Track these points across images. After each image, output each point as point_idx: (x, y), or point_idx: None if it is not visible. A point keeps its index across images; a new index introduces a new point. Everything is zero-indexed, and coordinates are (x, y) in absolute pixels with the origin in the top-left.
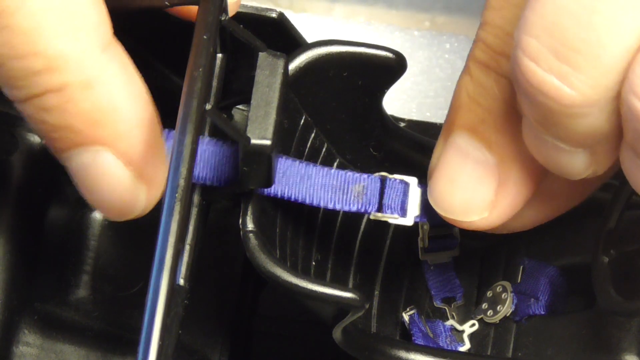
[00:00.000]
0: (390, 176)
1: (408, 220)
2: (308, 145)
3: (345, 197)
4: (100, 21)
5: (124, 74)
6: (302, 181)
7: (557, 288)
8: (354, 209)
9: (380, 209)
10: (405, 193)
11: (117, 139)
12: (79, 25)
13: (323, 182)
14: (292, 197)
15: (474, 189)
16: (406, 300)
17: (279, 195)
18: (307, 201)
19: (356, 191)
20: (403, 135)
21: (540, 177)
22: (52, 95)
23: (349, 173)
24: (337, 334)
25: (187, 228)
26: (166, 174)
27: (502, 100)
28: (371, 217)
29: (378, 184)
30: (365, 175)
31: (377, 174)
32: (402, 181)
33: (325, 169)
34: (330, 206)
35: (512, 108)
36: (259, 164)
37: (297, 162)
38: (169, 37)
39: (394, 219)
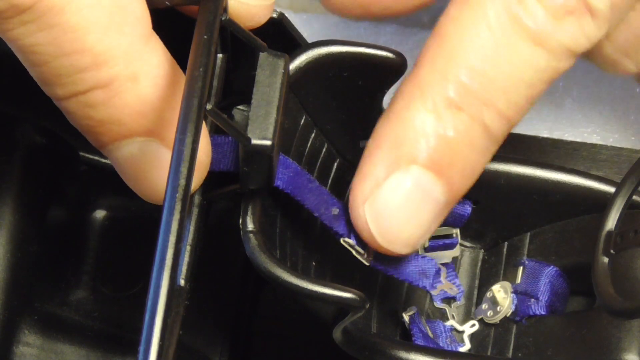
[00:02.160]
0: None
1: (366, 260)
2: (308, 146)
3: (326, 213)
4: (142, 14)
5: (166, 65)
6: (293, 179)
7: (557, 288)
8: (329, 225)
9: (349, 236)
10: None
11: (162, 128)
12: (124, 19)
13: (310, 189)
14: (284, 189)
15: (426, 229)
16: (406, 301)
17: (281, 187)
18: (297, 198)
19: (333, 213)
20: None
21: None
22: (99, 91)
23: (327, 195)
24: (337, 334)
25: (188, 228)
26: (208, 161)
27: (469, 143)
28: (341, 241)
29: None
30: (340, 203)
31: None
32: None
33: (314, 181)
34: (315, 214)
35: (475, 151)
36: (260, 164)
37: (290, 160)
38: (170, 37)
39: (356, 253)
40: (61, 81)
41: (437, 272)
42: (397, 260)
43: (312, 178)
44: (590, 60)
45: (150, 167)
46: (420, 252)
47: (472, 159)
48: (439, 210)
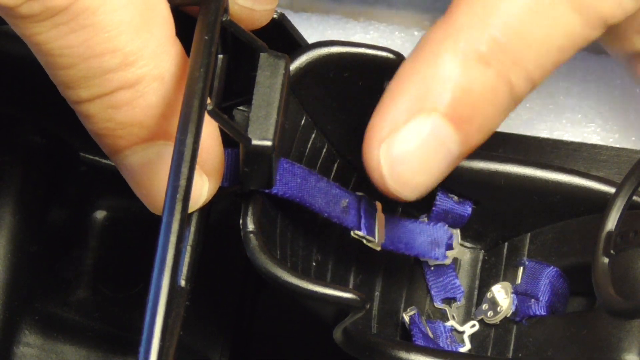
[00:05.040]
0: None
1: (377, 245)
2: (309, 146)
3: (335, 210)
4: (168, 15)
5: (186, 67)
6: (301, 185)
7: (557, 289)
8: (338, 222)
9: (359, 227)
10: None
11: None
12: (153, 19)
13: (318, 189)
14: (291, 197)
15: (437, 177)
16: (406, 301)
17: (279, 194)
18: (305, 204)
19: (342, 206)
20: None
21: None
22: (124, 91)
23: (337, 189)
24: (337, 334)
25: (188, 229)
26: (223, 165)
27: (492, 100)
28: (352, 234)
29: (359, 203)
30: (349, 194)
31: (360, 192)
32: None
33: (323, 179)
34: (324, 215)
35: (497, 108)
36: (260, 165)
37: (297, 166)
38: None
39: (367, 242)
40: (87, 83)
41: (450, 238)
42: (407, 234)
43: (320, 176)
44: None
45: (167, 174)
46: None
47: (492, 115)
48: (451, 160)
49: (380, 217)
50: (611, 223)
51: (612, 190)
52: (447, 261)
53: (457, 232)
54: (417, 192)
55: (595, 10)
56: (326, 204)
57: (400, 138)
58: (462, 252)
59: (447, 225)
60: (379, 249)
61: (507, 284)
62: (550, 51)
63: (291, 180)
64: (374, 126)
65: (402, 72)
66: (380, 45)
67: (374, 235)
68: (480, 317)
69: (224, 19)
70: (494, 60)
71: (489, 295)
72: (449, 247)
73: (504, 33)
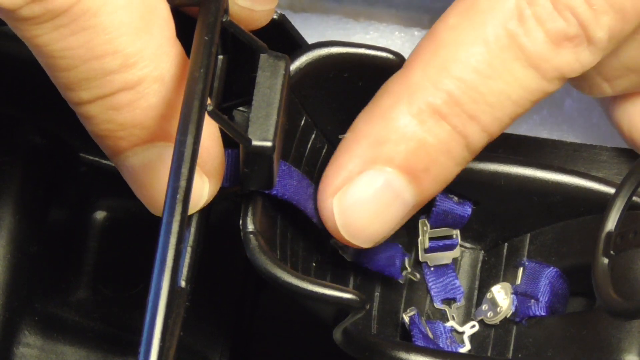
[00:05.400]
0: None
1: (349, 257)
2: (309, 147)
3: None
4: (169, 16)
5: (187, 68)
6: (297, 188)
7: (557, 289)
8: (323, 229)
9: None
10: None
11: None
12: (153, 20)
13: (309, 195)
14: (289, 199)
15: (391, 227)
16: (406, 302)
17: (279, 196)
18: (300, 207)
19: None
20: None
21: None
22: (126, 92)
23: None
24: (337, 335)
25: (189, 229)
26: (224, 166)
27: (447, 152)
28: (331, 242)
29: None
30: None
31: None
32: None
33: (312, 185)
34: (314, 220)
35: (452, 160)
36: (260, 166)
37: (293, 168)
38: None
39: (342, 252)
40: (88, 85)
41: (403, 256)
42: (368, 250)
43: (310, 183)
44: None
45: (167, 175)
46: (420, 253)
47: (448, 167)
48: (406, 211)
49: None
50: (611, 223)
51: (611, 190)
52: (447, 262)
53: (457, 233)
54: (370, 241)
55: (551, 65)
56: (314, 209)
57: (354, 188)
58: (462, 252)
59: (399, 247)
60: (350, 260)
61: (507, 285)
62: (506, 105)
63: (289, 183)
64: (328, 176)
65: (358, 123)
66: (380, 45)
67: (348, 247)
68: (480, 318)
69: (224, 20)
70: (449, 113)
71: (488, 295)
72: (403, 264)
73: (459, 87)
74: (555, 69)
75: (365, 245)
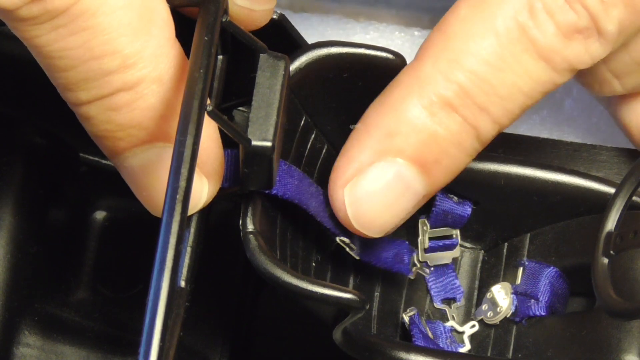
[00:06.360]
0: None
1: (356, 254)
2: (308, 147)
3: (323, 213)
4: (168, 16)
5: (186, 68)
6: (298, 186)
7: (557, 289)
8: (327, 227)
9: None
10: None
11: None
12: (153, 21)
13: (311, 194)
14: (290, 198)
15: (402, 217)
16: (406, 302)
17: (279, 195)
18: (302, 205)
19: (329, 212)
20: None
21: None
22: (124, 93)
23: (324, 196)
24: (337, 335)
25: (188, 229)
26: (223, 167)
27: (458, 144)
28: (337, 240)
29: None
30: None
31: None
32: None
33: (313, 184)
34: (317, 218)
35: (463, 152)
36: (260, 166)
37: (293, 167)
38: None
39: (350, 249)
40: (87, 85)
41: (412, 252)
42: (374, 248)
43: (312, 181)
44: (577, 77)
45: (167, 175)
46: (420, 253)
47: (458, 158)
48: (416, 202)
49: None
50: (611, 223)
51: (611, 190)
52: (447, 261)
53: (457, 233)
54: (382, 232)
55: (561, 57)
56: (317, 207)
57: (365, 180)
58: (462, 252)
59: (407, 242)
60: (358, 258)
61: (507, 285)
62: (517, 96)
63: (289, 182)
64: (339, 167)
65: (369, 114)
66: (380, 45)
67: (356, 244)
68: (480, 318)
69: (223, 20)
70: (460, 105)
71: (488, 295)
72: (411, 260)
73: (470, 79)
74: (566, 60)
75: (376, 235)
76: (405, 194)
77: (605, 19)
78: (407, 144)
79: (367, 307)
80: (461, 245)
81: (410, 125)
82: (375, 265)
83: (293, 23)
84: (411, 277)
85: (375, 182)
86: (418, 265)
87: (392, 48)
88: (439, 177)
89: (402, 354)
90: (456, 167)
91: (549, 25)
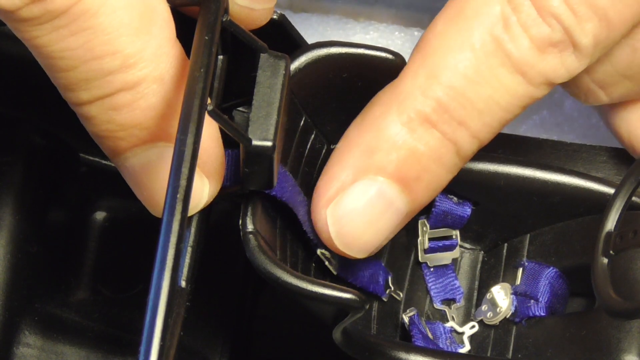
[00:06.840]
0: None
1: (334, 269)
2: (308, 147)
3: (309, 224)
4: (169, 16)
5: (187, 68)
6: (292, 192)
7: (556, 289)
8: (310, 237)
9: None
10: None
11: None
12: (153, 20)
13: (300, 202)
14: (287, 201)
15: (385, 236)
16: (406, 302)
17: (278, 197)
18: (295, 211)
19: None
20: None
21: None
22: (125, 93)
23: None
24: (337, 335)
25: (189, 229)
26: (224, 167)
27: (438, 160)
28: (317, 252)
29: None
30: None
31: None
32: None
33: (301, 193)
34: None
35: (443, 167)
36: (261, 165)
37: (287, 173)
38: None
39: (329, 264)
40: (88, 85)
41: (386, 274)
42: (351, 266)
43: (300, 190)
44: (563, 87)
45: (167, 175)
46: (420, 254)
47: (438, 174)
48: (399, 220)
49: None
50: (610, 223)
51: (611, 191)
52: (447, 262)
53: (456, 233)
54: (365, 251)
55: (536, 70)
56: (303, 216)
57: (347, 199)
58: (461, 253)
59: (381, 263)
60: (336, 273)
61: (507, 285)
62: (495, 110)
63: (285, 186)
64: (321, 187)
65: (350, 133)
66: (380, 45)
67: (336, 259)
68: (479, 318)
69: (224, 19)
70: (439, 120)
71: (488, 296)
72: (386, 282)
73: (447, 94)
74: (541, 74)
75: (359, 255)
76: (388, 212)
77: (580, 33)
78: (388, 161)
79: (367, 307)
80: (461, 246)
81: (390, 143)
82: (352, 283)
83: (293, 23)
84: (384, 299)
85: (357, 201)
86: (392, 287)
87: (392, 48)
88: (420, 194)
89: (402, 354)
90: (437, 184)
91: (524, 39)
